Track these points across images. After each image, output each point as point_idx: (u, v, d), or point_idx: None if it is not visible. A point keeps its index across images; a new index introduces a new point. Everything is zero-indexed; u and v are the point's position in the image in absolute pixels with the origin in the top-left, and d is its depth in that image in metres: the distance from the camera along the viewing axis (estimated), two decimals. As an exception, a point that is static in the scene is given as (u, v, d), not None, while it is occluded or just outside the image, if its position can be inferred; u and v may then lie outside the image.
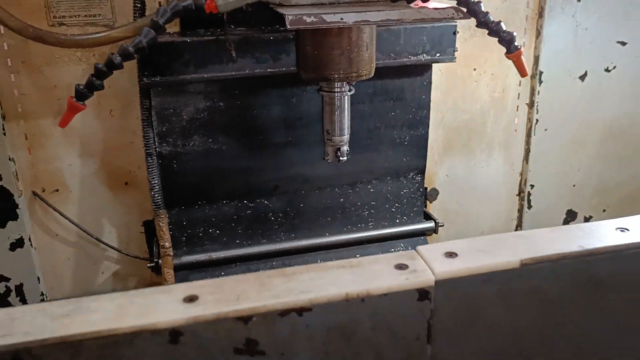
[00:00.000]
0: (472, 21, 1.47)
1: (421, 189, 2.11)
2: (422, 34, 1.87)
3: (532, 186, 2.44)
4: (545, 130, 2.36)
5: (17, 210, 1.91)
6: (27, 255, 1.97)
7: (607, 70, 2.33)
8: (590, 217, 2.53)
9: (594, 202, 2.50)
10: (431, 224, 2.12)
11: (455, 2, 1.39)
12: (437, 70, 2.17)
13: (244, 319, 0.91)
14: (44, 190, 1.97)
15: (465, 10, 1.38)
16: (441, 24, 1.87)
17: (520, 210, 2.48)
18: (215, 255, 1.96)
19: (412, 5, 1.37)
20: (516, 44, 1.43)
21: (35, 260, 2.00)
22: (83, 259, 2.09)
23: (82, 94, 1.39)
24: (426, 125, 2.03)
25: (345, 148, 1.66)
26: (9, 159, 1.86)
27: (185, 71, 1.73)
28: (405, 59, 1.88)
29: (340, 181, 2.04)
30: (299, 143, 1.94)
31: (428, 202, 2.36)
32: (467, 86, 2.27)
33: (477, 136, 2.36)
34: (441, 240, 1.82)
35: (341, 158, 1.66)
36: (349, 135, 1.67)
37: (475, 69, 2.24)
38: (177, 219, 1.92)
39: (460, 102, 2.28)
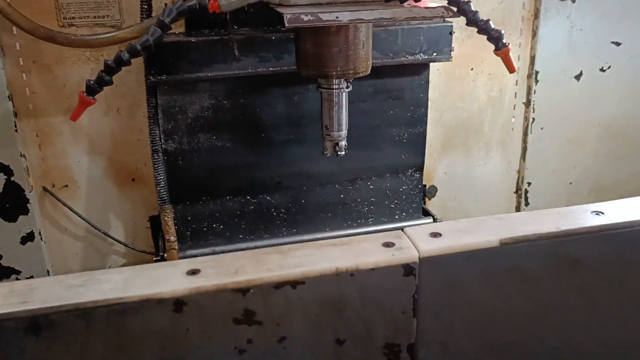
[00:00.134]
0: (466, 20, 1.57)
1: (420, 186, 2.18)
2: (419, 34, 1.94)
3: (529, 184, 2.52)
4: (542, 128, 2.44)
5: (28, 205, 1.99)
6: (37, 248, 2.05)
7: (602, 70, 2.41)
8: (588, 215, 2.60)
9: (591, 199, 2.57)
10: (429, 221, 2.20)
11: (446, 1, 1.49)
12: (436, 70, 2.25)
13: (242, 291, 1.01)
14: (53, 186, 2.06)
15: (455, 9, 1.47)
16: (438, 24, 1.94)
17: (518, 208, 2.56)
18: (219, 249, 2.02)
19: (404, 4, 1.46)
20: (504, 41, 1.52)
21: (45, 253, 2.08)
22: (91, 252, 2.17)
23: (93, 89, 1.48)
24: (424, 124, 2.10)
25: (343, 143, 1.73)
26: (21, 155, 1.95)
27: (191, 70, 1.80)
28: (403, 59, 1.95)
29: (341, 178, 2.10)
30: (301, 140, 2.01)
31: (427, 199, 2.44)
32: (464, 86, 2.34)
33: (475, 134, 2.43)
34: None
35: (339, 152, 1.73)
36: (346, 130, 1.73)
37: (472, 69, 2.32)
38: (182, 214, 1.99)
39: (458, 101, 2.36)
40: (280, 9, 1.47)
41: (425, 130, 2.12)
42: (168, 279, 1.01)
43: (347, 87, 1.68)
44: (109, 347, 1.00)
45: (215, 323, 1.03)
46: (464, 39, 2.23)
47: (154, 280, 1.01)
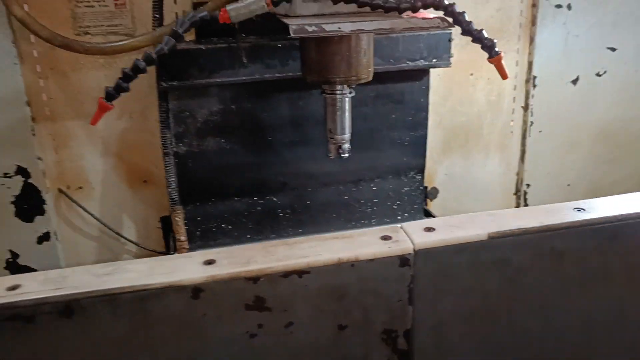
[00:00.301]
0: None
1: (421, 187, 2.29)
2: (420, 41, 2.05)
3: (528, 185, 2.64)
4: (540, 132, 2.57)
5: (44, 206, 2.13)
6: (52, 248, 2.18)
7: (598, 74, 2.53)
8: (586, 216, 2.73)
9: (589, 201, 2.70)
10: (430, 221, 2.32)
11: (442, 12, 1.61)
12: (436, 75, 2.37)
13: (253, 279, 1.15)
14: (68, 188, 2.19)
15: (450, 20, 1.60)
16: (437, 31, 2.04)
17: (517, 209, 2.69)
18: (227, 248, 2.16)
19: (403, 15, 1.59)
20: (497, 49, 1.65)
21: (60, 253, 2.21)
22: (104, 252, 2.30)
23: (111, 95, 1.60)
24: (425, 127, 2.21)
25: (346, 145, 1.83)
26: (38, 158, 2.08)
27: (200, 76, 1.90)
28: (404, 64, 2.05)
29: (344, 179, 2.21)
30: (305, 143, 2.10)
31: (429, 200, 2.56)
32: (464, 90, 2.47)
33: (474, 138, 2.56)
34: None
35: (342, 155, 1.84)
36: (349, 133, 1.83)
37: (472, 74, 2.45)
38: (192, 215, 2.09)
39: (458, 105, 2.49)
40: (286, 20, 1.59)
41: (426, 134, 2.23)
42: (187, 268, 1.15)
43: (350, 93, 1.78)
44: (133, 330, 1.14)
45: (229, 309, 1.17)
46: (464, 46, 2.33)
47: (174, 270, 1.14)
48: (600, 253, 1.34)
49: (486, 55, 1.67)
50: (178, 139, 2.00)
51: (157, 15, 1.89)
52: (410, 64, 2.08)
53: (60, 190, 2.19)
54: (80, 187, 2.22)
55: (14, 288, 1.10)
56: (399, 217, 2.30)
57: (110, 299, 1.10)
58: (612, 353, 1.48)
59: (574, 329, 1.39)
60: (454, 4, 1.59)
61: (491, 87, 2.50)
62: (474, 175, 2.62)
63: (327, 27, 1.51)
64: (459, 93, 2.48)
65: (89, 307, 1.10)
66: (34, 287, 1.10)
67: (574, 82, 2.53)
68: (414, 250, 1.21)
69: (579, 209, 1.33)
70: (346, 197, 2.25)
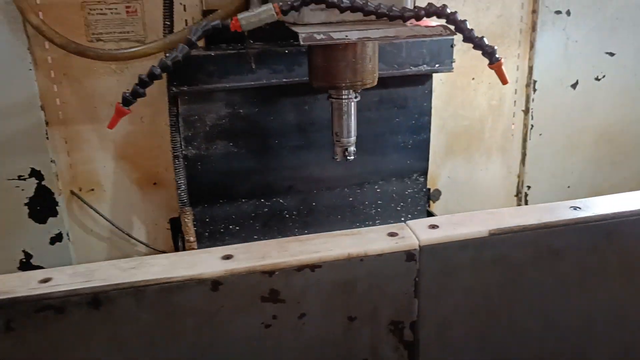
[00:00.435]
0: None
1: (424, 189, 2.37)
2: (423, 47, 2.13)
3: (528, 187, 2.74)
4: (540, 135, 2.66)
5: (57, 207, 2.22)
6: (65, 248, 2.27)
7: (597, 79, 2.63)
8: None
9: (589, 203, 2.79)
10: (433, 222, 2.40)
11: (445, 20, 1.71)
12: (439, 80, 2.46)
13: (269, 273, 1.25)
14: (80, 190, 2.28)
15: (453, 27, 1.69)
16: (439, 38, 2.11)
17: (519, 211, 2.78)
18: (235, 249, 2.24)
19: (407, 23, 1.68)
20: (497, 56, 1.74)
21: (72, 253, 2.30)
22: (115, 252, 2.38)
23: (128, 100, 1.69)
24: (428, 131, 2.29)
25: (352, 148, 1.91)
26: (51, 161, 2.17)
27: (209, 81, 1.98)
28: (407, 70, 2.14)
29: (349, 182, 2.29)
30: (311, 146, 2.18)
31: (432, 202, 2.65)
32: (466, 95, 2.56)
33: (476, 141, 2.65)
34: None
35: (348, 157, 1.92)
36: (355, 137, 1.91)
37: (473, 79, 2.54)
38: (201, 216, 2.16)
39: (460, 109, 2.58)
40: (295, 28, 1.67)
41: (429, 137, 2.31)
42: (206, 262, 1.25)
43: (355, 98, 1.86)
44: (156, 320, 1.24)
45: (246, 301, 1.27)
46: (465, 51, 2.42)
47: (195, 264, 1.24)
48: (596, 250, 1.44)
49: (487, 60, 1.76)
50: (187, 142, 2.07)
51: (168, 23, 1.98)
52: (414, 69, 2.16)
53: (73, 193, 2.28)
54: (92, 190, 2.31)
55: (45, 281, 1.20)
56: (402, 219, 2.37)
57: (136, 291, 1.20)
58: (610, 346, 1.58)
59: (568, 323, 1.48)
60: (455, 12, 1.68)
61: (492, 91, 2.59)
62: (476, 177, 2.71)
63: (335, 35, 1.60)
64: (461, 97, 2.57)
65: (115, 299, 1.20)
66: (64, 279, 1.20)
67: (574, 86, 2.62)
68: (419, 246, 1.31)
69: (575, 208, 1.43)
70: (351, 199, 2.32)
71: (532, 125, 2.65)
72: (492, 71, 2.29)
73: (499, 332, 1.44)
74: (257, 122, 2.12)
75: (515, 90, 2.62)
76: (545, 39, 2.54)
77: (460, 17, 1.68)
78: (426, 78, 2.24)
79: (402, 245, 1.30)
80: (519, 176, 2.76)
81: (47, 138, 2.17)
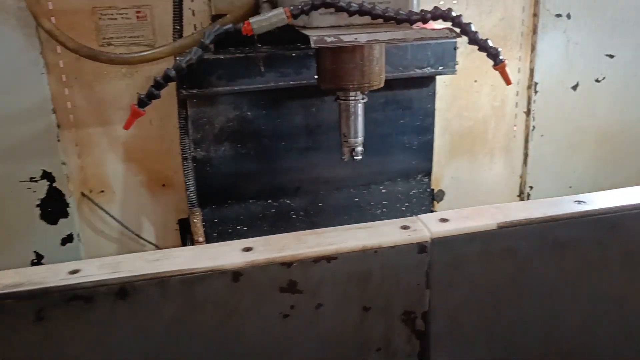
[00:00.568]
0: (472, 37, 1.86)
1: (428, 190, 2.43)
2: (427, 49, 2.20)
3: (531, 187, 2.81)
4: (542, 135, 2.73)
5: (68, 209, 2.28)
6: (75, 249, 2.33)
7: (597, 80, 2.71)
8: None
9: (591, 202, 2.86)
10: (438, 222, 2.47)
11: (450, 23, 1.78)
12: (442, 82, 2.53)
13: (287, 264, 1.32)
14: (91, 191, 2.34)
15: (458, 30, 1.76)
16: (443, 40, 2.17)
17: (521, 211, 2.85)
18: (243, 249, 2.30)
19: (414, 26, 1.75)
20: (501, 57, 1.81)
21: (83, 254, 2.36)
22: (124, 253, 2.38)
23: (143, 101, 1.76)
24: (432, 132, 2.35)
25: (359, 149, 1.96)
26: (62, 164, 2.24)
27: (218, 84, 2.03)
28: (412, 72, 2.20)
29: (355, 182, 2.35)
30: (318, 148, 2.24)
31: (435, 202, 2.72)
32: (469, 96, 2.64)
33: (479, 142, 2.72)
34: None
35: (356, 157, 1.98)
36: (362, 137, 1.96)
37: (476, 81, 2.62)
38: (210, 217, 2.22)
39: (464, 111, 2.65)
40: (305, 31, 1.73)
41: (432, 138, 2.37)
42: (227, 254, 1.32)
43: (362, 99, 1.92)
44: (180, 310, 1.31)
45: (265, 291, 1.34)
46: (468, 53, 2.51)
47: (217, 256, 1.31)
48: (600, 243, 1.51)
49: (489, 62, 1.83)
50: (196, 144, 2.13)
51: (178, 27, 2.05)
52: (418, 71, 2.22)
53: (83, 194, 2.34)
54: (102, 191, 2.37)
55: (74, 272, 1.27)
56: (407, 219, 2.44)
57: (161, 282, 1.27)
58: (613, 337, 1.65)
59: (572, 313, 1.56)
60: (460, 15, 1.74)
61: (495, 93, 2.67)
62: (479, 178, 2.79)
63: (345, 38, 1.65)
64: (464, 99, 2.64)
65: (141, 289, 1.27)
66: (93, 271, 1.27)
67: (574, 87, 2.70)
68: (431, 239, 1.38)
69: (580, 202, 1.51)
70: (357, 199, 2.38)
71: (534, 126, 2.72)
72: (495, 73, 2.37)
73: (506, 321, 1.52)
74: (265, 124, 2.18)
75: (517, 92, 2.69)
76: (546, 42, 2.61)
77: (465, 20, 1.75)
78: (430, 80, 2.30)
79: (414, 238, 1.37)
80: (521, 176, 2.83)
81: (59, 141, 2.22)
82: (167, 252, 1.33)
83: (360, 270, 1.37)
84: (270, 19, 1.72)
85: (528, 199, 2.81)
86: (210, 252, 1.33)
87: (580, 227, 1.48)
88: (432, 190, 2.56)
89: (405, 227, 1.41)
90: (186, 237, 2.34)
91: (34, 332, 1.25)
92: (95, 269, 1.27)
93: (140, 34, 2.22)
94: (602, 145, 2.83)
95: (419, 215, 1.45)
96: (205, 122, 2.13)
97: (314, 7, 1.68)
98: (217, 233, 2.27)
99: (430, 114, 2.35)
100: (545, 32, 2.60)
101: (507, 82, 1.83)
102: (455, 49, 2.25)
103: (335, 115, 1.97)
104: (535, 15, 2.59)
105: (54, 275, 1.26)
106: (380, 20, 1.72)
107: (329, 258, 1.33)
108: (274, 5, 1.89)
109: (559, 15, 2.59)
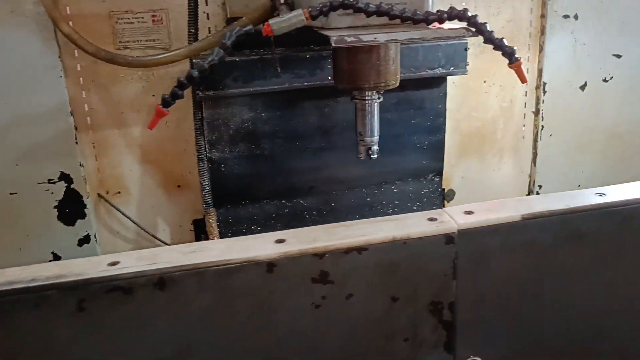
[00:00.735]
0: (482, 39, 1.90)
1: (439, 189, 2.49)
2: (438, 50, 2.25)
3: (540, 187, 2.86)
4: (551, 135, 2.79)
5: (85, 210, 2.33)
6: (92, 250, 2.38)
7: (605, 80, 2.77)
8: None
9: (598, 202, 2.92)
10: (449, 221, 2.52)
11: (466, 23, 1.83)
12: (452, 83, 2.57)
13: (319, 255, 1.36)
14: (107, 193, 2.39)
15: (474, 29, 1.81)
16: (454, 41, 2.24)
17: (531, 210, 2.90)
18: (258, 249, 2.34)
19: (430, 26, 1.80)
20: (517, 56, 1.86)
21: (99, 255, 2.39)
22: None
23: (167, 102, 1.80)
24: (443, 132, 2.41)
25: (375, 147, 2.00)
26: (80, 165, 2.28)
27: (234, 86, 2.08)
28: (423, 73, 2.25)
29: (368, 182, 2.40)
30: (332, 148, 2.29)
31: (446, 201, 2.77)
32: (478, 97, 2.69)
33: (489, 142, 2.78)
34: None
35: (372, 156, 2.01)
36: (378, 136, 2.00)
37: (485, 81, 2.68)
38: (225, 217, 2.27)
39: (473, 111, 2.71)
40: (324, 32, 1.78)
41: (443, 138, 2.43)
42: (261, 246, 1.37)
43: (378, 98, 1.96)
44: (215, 300, 1.35)
45: (298, 282, 1.38)
46: (477, 54, 2.57)
47: (250, 248, 1.36)
48: (618, 232, 1.56)
49: (498, 63, 1.87)
50: (212, 145, 2.18)
51: (193, 30, 2.09)
52: (430, 72, 2.27)
53: (100, 196, 2.39)
54: (119, 192, 2.42)
55: (114, 264, 1.31)
56: (419, 219, 2.49)
57: (197, 273, 1.32)
58: (634, 328, 1.70)
59: (592, 303, 1.61)
60: (476, 15, 1.79)
61: (504, 93, 2.72)
62: (489, 177, 2.84)
63: (364, 38, 1.70)
64: (473, 99, 2.70)
65: (178, 280, 1.31)
66: (131, 262, 1.32)
67: (582, 87, 2.76)
68: (458, 230, 1.43)
69: (600, 194, 1.56)
70: (369, 199, 2.43)
71: (543, 126, 2.78)
72: (503, 74, 2.44)
73: (528, 312, 1.56)
74: (279, 125, 2.23)
75: (526, 92, 2.75)
76: (554, 42, 2.67)
77: (480, 20, 1.80)
78: (441, 81, 2.36)
79: (442, 229, 1.42)
80: (530, 176, 2.89)
81: (77, 143, 2.27)
82: (202, 245, 1.38)
83: (389, 261, 1.42)
84: (289, 20, 1.76)
85: (537, 198, 2.86)
86: (243, 244, 1.37)
87: (601, 219, 1.53)
88: (443, 189, 2.60)
89: (432, 219, 1.45)
90: (201, 238, 2.39)
91: (75, 323, 1.29)
92: (134, 261, 1.32)
93: (156, 37, 2.27)
94: (610, 144, 2.89)
95: (444, 208, 1.50)
96: (220, 123, 2.17)
97: (333, 8, 1.72)
98: (231, 233, 2.31)
99: (441, 114, 2.40)
100: (553, 33, 2.65)
101: (523, 80, 1.87)
102: (466, 49, 2.30)
103: (349, 115, 2.03)
104: (542, 16, 2.65)
105: (94, 266, 1.31)
106: (397, 21, 1.75)
107: (359, 249, 1.38)
108: (291, 7, 1.92)
109: (566, 17, 2.64)
